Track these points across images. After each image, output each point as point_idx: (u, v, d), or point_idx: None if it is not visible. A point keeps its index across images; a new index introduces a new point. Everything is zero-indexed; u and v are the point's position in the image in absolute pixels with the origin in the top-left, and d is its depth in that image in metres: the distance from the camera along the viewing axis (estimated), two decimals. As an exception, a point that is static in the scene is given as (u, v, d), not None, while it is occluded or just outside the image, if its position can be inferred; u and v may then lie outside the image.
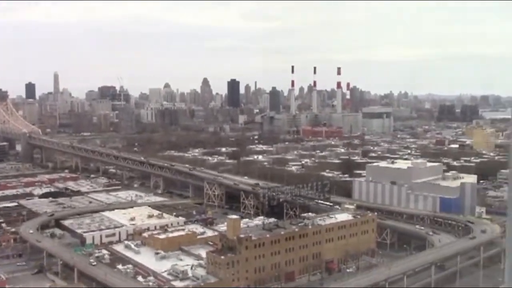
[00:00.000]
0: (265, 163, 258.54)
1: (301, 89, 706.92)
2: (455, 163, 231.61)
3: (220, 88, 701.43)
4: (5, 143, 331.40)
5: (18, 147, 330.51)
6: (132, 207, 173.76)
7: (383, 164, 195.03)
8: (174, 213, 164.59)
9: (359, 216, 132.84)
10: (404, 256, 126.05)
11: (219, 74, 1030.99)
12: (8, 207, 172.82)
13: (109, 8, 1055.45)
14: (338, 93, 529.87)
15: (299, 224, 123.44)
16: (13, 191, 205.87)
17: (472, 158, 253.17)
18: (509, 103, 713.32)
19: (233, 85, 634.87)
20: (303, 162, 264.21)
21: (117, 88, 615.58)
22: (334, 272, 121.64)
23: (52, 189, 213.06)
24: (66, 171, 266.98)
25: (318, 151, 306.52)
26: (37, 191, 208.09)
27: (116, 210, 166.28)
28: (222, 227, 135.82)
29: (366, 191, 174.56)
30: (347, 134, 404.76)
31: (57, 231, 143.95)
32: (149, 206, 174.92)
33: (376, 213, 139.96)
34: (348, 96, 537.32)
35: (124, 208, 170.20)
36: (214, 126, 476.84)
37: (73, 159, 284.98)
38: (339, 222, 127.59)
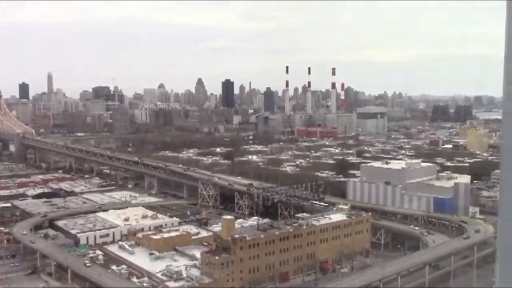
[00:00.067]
0: (260, 164, 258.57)
1: (296, 89, 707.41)
2: (449, 163, 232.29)
3: (214, 89, 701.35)
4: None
5: (12, 148, 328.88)
6: (126, 207, 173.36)
7: (377, 164, 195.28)
8: (169, 214, 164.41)
9: (353, 217, 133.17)
10: (398, 256, 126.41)
11: (214, 74, 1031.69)
12: (1, 207, 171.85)
13: (103, 8, 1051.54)
14: (332, 94, 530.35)
15: (294, 225, 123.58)
16: (7, 192, 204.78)
17: (466, 158, 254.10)
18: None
19: (227, 85, 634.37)
20: (297, 162, 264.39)
21: (111, 88, 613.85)
22: (328, 272, 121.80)
23: (46, 190, 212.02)
24: (60, 171, 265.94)
25: (312, 151, 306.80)
26: (31, 191, 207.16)
27: (110, 211, 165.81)
28: (217, 228, 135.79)
29: (360, 191, 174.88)
30: (342, 134, 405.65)
31: (51, 232, 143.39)
32: (143, 206, 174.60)
33: (370, 213, 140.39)
34: (342, 97, 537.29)
35: (118, 209, 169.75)
36: (208, 126, 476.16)
37: (67, 159, 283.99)
38: (333, 223, 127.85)
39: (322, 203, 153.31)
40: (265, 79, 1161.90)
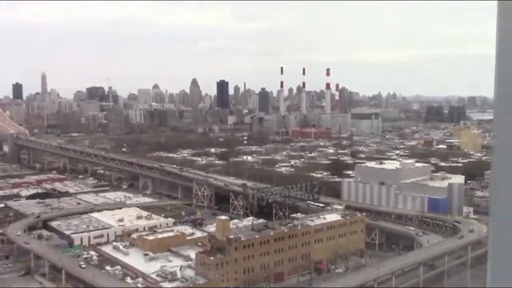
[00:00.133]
0: (255, 164, 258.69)
1: (290, 90, 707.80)
2: (443, 164, 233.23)
3: (209, 89, 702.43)
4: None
5: (5, 148, 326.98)
6: (120, 208, 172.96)
7: (371, 164, 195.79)
8: (163, 214, 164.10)
9: (348, 217, 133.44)
10: (393, 256, 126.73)
11: (208, 75, 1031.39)
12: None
13: (97, 8, 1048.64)
14: (327, 94, 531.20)
15: (288, 225, 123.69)
16: (0, 192, 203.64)
17: (460, 158, 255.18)
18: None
19: (222, 85, 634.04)
20: (292, 162, 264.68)
21: (106, 88, 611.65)
22: (323, 272, 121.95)
23: (40, 190, 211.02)
24: (54, 172, 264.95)
25: (307, 152, 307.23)
26: (25, 192, 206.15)
27: (104, 211, 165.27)
28: (212, 228, 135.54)
29: (355, 191, 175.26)
30: (336, 135, 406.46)
31: (45, 233, 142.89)
32: (137, 207, 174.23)
33: (365, 214, 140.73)
34: (337, 97, 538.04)
35: (112, 209, 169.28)
36: (203, 127, 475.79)
37: (61, 160, 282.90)
38: (328, 223, 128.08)
39: (318, 204, 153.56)
40: (259, 80, 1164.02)
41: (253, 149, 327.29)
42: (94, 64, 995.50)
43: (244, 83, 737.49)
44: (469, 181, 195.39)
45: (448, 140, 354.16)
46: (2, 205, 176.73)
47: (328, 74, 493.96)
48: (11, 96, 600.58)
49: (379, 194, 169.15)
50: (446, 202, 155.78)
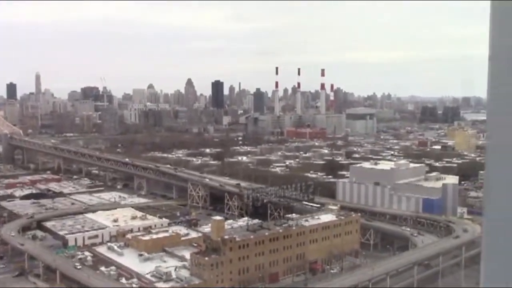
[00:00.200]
0: (250, 164, 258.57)
1: (285, 90, 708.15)
2: (437, 164, 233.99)
3: (204, 89, 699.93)
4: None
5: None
6: (115, 208, 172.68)
7: (366, 165, 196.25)
8: (158, 215, 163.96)
9: (343, 217, 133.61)
10: (387, 256, 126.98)
11: (203, 75, 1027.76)
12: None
13: (96, 8, 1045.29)
14: (322, 95, 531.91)
15: (283, 225, 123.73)
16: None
17: (454, 159, 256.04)
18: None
19: (217, 86, 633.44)
20: (287, 163, 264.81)
21: (100, 88, 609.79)
22: (318, 272, 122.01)
23: (34, 191, 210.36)
24: (48, 172, 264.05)
25: (302, 152, 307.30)
26: (19, 192, 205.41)
27: (99, 212, 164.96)
28: (206, 228, 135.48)
29: (349, 192, 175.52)
30: (331, 135, 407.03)
31: (39, 233, 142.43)
32: (132, 207, 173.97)
33: (359, 214, 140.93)
34: (332, 98, 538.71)
35: (107, 210, 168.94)
36: (198, 127, 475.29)
37: (55, 160, 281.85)
38: (323, 223, 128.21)
39: (313, 204, 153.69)
40: (254, 80, 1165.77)
41: (248, 149, 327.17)
42: (93, 64, 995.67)
43: (239, 83, 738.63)
44: (463, 182, 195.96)
45: (443, 141, 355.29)
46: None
47: (323, 74, 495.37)
48: (5, 96, 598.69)
49: (374, 195, 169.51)
50: (441, 203, 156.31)
